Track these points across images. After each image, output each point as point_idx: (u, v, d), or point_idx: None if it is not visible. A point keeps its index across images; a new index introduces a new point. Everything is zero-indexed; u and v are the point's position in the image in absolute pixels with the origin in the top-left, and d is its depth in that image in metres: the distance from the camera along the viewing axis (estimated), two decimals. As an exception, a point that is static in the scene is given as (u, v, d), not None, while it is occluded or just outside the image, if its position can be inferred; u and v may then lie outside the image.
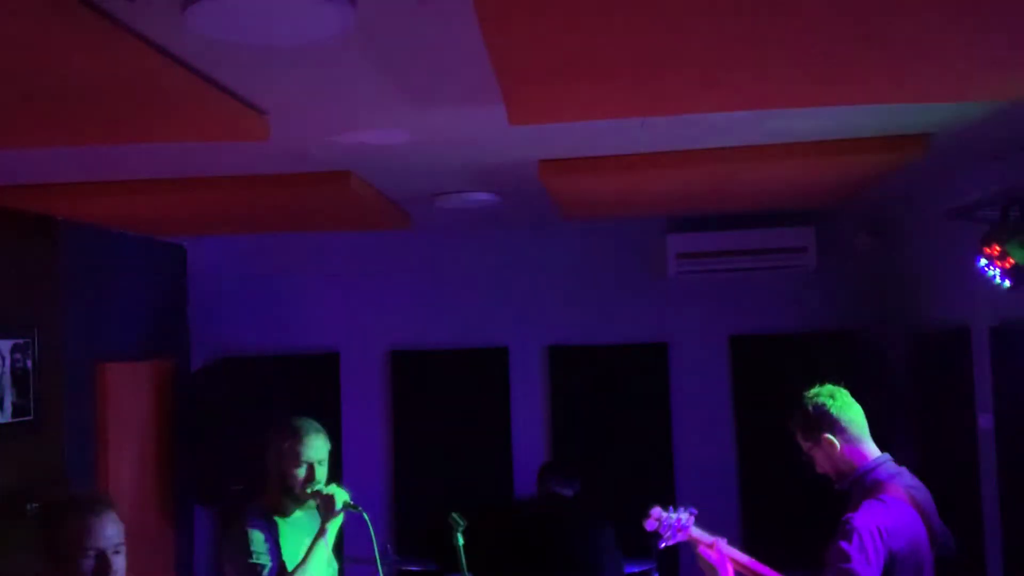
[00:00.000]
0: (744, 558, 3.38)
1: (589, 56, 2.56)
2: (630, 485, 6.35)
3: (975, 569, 4.71)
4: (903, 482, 3.12)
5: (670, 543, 3.44)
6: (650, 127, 3.63)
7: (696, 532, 3.42)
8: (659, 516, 3.45)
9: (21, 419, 4.59)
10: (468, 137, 3.80)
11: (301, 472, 3.36)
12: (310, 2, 2.20)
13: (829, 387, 3.29)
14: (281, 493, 3.37)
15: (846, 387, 3.32)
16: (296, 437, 3.39)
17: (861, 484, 3.12)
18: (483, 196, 5.08)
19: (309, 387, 6.34)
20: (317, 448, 3.41)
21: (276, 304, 6.67)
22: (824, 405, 3.23)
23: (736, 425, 6.45)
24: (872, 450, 3.19)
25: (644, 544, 5.13)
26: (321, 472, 3.40)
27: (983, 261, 4.19)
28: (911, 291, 5.83)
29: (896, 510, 3.01)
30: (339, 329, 6.68)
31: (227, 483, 5.78)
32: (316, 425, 3.48)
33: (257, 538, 3.26)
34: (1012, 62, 2.77)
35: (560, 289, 6.59)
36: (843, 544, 2.90)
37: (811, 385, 3.39)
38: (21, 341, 4.63)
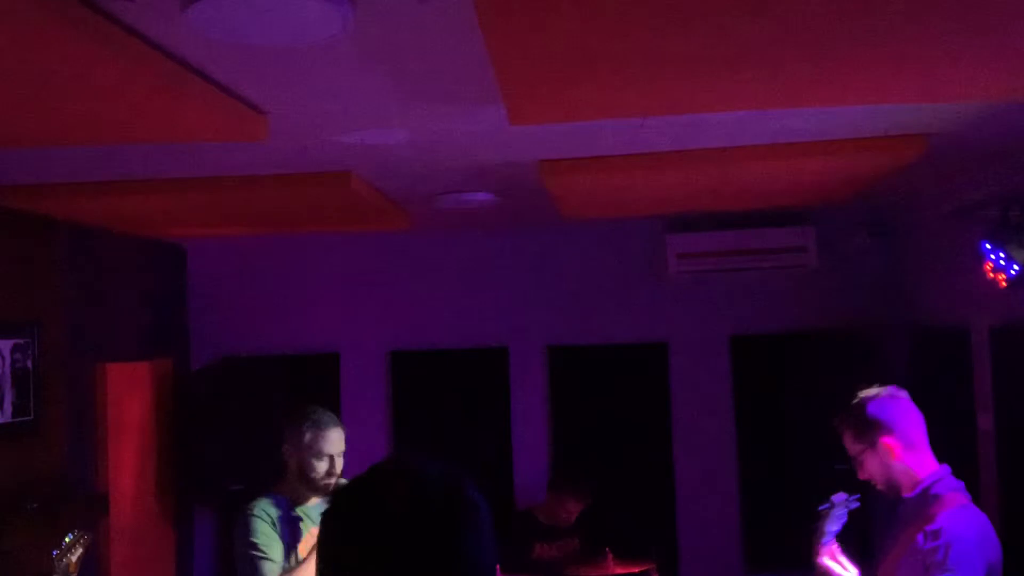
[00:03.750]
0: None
1: (589, 56, 2.56)
2: (630, 485, 6.36)
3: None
4: (965, 495, 2.87)
5: (829, 543, 2.95)
6: (650, 127, 3.63)
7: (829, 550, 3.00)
8: (843, 499, 2.93)
9: (21, 419, 4.59)
10: (468, 137, 3.80)
11: (323, 466, 3.39)
12: (310, 2, 2.20)
13: (890, 387, 2.96)
14: (300, 483, 3.39)
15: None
16: (317, 430, 3.42)
17: (927, 495, 2.84)
18: (483, 196, 5.08)
19: (309, 387, 6.34)
20: (336, 441, 3.46)
21: (276, 304, 6.67)
22: (884, 405, 2.90)
23: (736, 425, 6.45)
24: (931, 460, 2.91)
25: (644, 544, 5.16)
26: (339, 464, 3.45)
27: (983, 262, 4.20)
28: (911, 291, 5.83)
29: (982, 519, 2.79)
30: (339, 329, 6.68)
31: (227, 483, 5.79)
32: (334, 418, 3.53)
33: (264, 530, 3.28)
34: (1013, 62, 2.77)
35: (560, 289, 6.59)
36: (950, 555, 2.65)
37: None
38: (21, 341, 4.63)
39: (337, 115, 3.38)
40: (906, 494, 2.88)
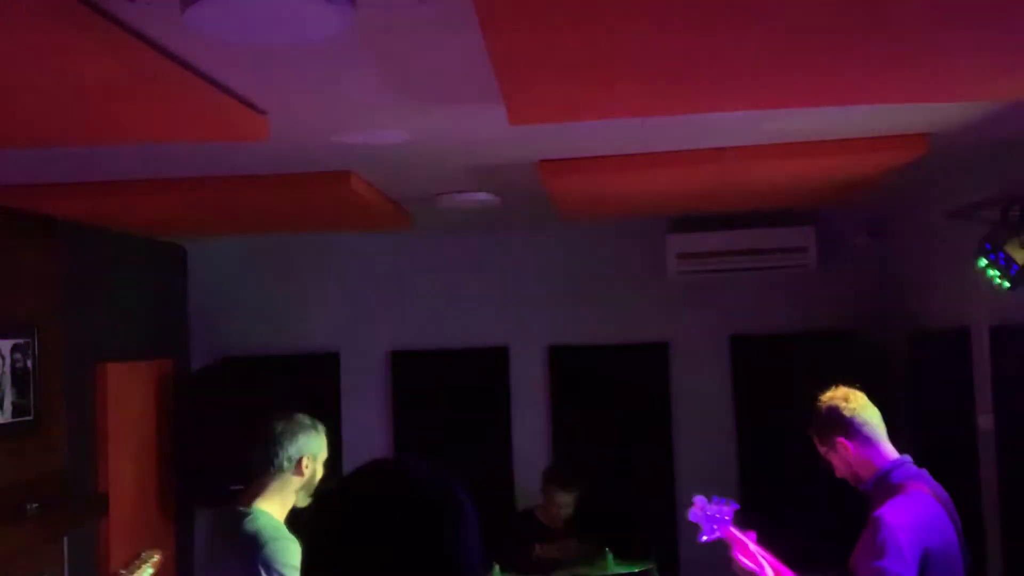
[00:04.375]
0: (769, 558, 3.27)
1: (589, 56, 2.56)
2: (630, 485, 6.36)
3: (975, 569, 4.70)
4: (926, 482, 3.07)
5: (710, 538, 3.26)
6: (650, 127, 3.63)
7: (734, 530, 3.27)
8: (703, 506, 3.27)
9: (21, 419, 4.59)
10: (468, 137, 3.80)
11: (322, 471, 3.36)
12: (310, 2, 2.20)
13: (843, 389, 3.20)
14: (303, 490, 3.32)
15: (846, 387, 3.28)
16: (322, 435, 3.38)
17: (884, 484, 3.05)
18: (483, 196, 5.08)
19: (309, 387, 6.34)
20: None
21: (276, 304, 6.66)
22: (837, 408, 3.15)
23: (737, 425, 6.45)
24: (890, 451, 3.13)
25: (644, 544, 5.16)
26: None
27: (982, 262, 4.19)
28: (911, 291, 5.83)
29: (924, 506, 2.95)
30: (339, 329, 6.68)
31: (227, 483, 5.78)
32: None
33: (294, 551, 3.11)
34: (1012, 63, 2.77)
35: (560, 289, 6.59)
36: (876, 541, 2.83)
37: (811, 384, 3.36)
38: (21, 341, 4.63)
39: (337, 115, 3.38)
40: (864, 487, 3.12)
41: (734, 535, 3.23)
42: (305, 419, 3.40)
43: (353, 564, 1.29)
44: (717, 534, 3.24)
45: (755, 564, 3.16)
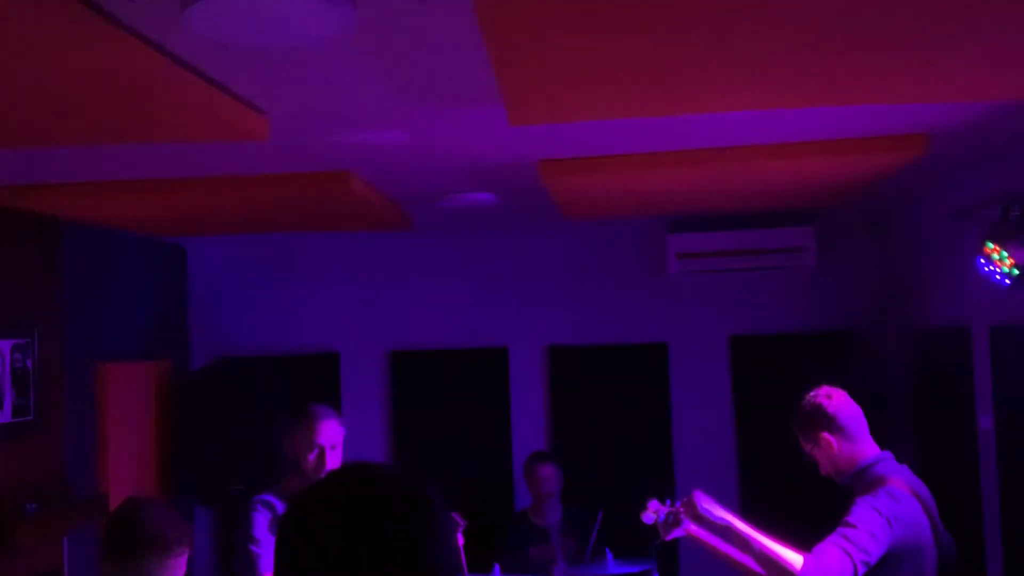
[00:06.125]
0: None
1: (589, 56, 2.56)
2: (630, 485, 6.35)
3: (975, 570, 4.71)
4: (904, 478, 3.16)
5: (666, 538, 3.40)
6: (650, 127, 3.63)
7: (693, 528, 3.37)
8: (656, 508, 3.41)
9: (21, 419, 4.59)
10: (468, 137, 3.80)
11: (313, 456, 3.43)
12: (310, 2, 2.20)
13: (826, 388, 3.32)
14: (298, 478, 3.45)
15: (846, 387, 3.35)
16: (309, 422, 3.49)
17: (863, 479, 3.16)
18: (483, 196, 5.08)
19: (309, 387, 6.32)
20: (330, 432, 3.49)
21: (276, 304, 6.67)
22: (820, 405, 3.26)
23: (736, 425, 6.45)
24: (872, 447, 3.23)
25: (644, 544, 5.15)
26: (334, 457, 3.48)
27: (983, 261, 4.19)
28: (911, 291, 5.83)
29: (903, 501, 3.05)
30: (339, 329, 6.68)
31: (227, 483, 5.78)
32: (330, 411, 3.59)
33: (260, 524, 3.35)
34: (1012, 62, 2.77)
35: (560, 289, 6.59)
36: (848, 519, 2.96)
37: (811, 385, 3.42)
38: (21, 341, 4.63)
39: (337, 115, 3.38)
40: (843, 480, 3.24)
41: (694, 531, 3.31)
42: (300, 409, 3.66)
43: (328, 567, 1.28)
44: (677, 532, 3.34)
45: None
